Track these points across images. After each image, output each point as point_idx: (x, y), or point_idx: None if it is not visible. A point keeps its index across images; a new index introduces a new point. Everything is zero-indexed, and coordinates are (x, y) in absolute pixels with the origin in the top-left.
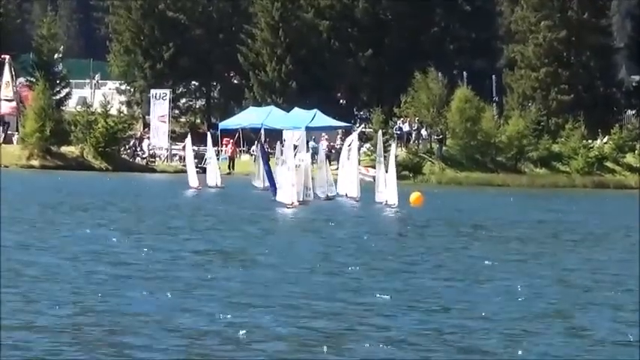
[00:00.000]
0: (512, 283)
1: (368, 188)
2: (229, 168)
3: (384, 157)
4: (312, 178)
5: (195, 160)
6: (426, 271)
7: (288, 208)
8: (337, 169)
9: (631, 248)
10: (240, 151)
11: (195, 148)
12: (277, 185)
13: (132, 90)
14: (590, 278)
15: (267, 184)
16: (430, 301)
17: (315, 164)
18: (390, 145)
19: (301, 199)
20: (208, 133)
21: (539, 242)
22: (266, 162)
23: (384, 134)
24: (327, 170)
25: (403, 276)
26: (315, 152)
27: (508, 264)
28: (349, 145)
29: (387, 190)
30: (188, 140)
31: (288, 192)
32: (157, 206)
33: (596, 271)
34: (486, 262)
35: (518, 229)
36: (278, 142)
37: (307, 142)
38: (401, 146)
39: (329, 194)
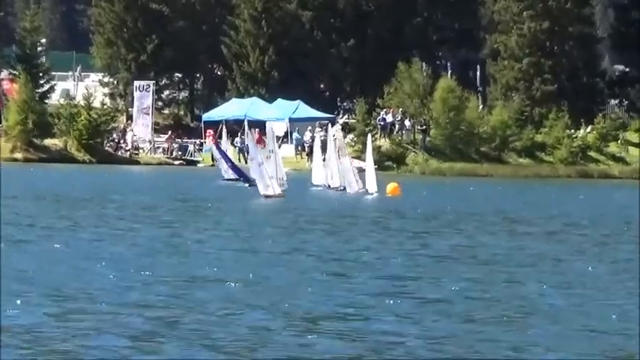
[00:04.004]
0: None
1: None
2: (213, 160)
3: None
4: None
5: (179, 153)
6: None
7: (270, 198)
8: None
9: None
10: None
11: (179, 140)
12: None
13: (115, 82)
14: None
15: (253, 176)
16: None
17: (299, 155)
18: (375, 136)
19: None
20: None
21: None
22: (226, 157)
23: (367, 125)
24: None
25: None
26: (298, 143)
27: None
28: (333, 135)
29: (368, 179)
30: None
31: (267, 183)
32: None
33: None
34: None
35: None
36: (240, 133)
37: (291, 134)
38: (384, 137)
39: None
